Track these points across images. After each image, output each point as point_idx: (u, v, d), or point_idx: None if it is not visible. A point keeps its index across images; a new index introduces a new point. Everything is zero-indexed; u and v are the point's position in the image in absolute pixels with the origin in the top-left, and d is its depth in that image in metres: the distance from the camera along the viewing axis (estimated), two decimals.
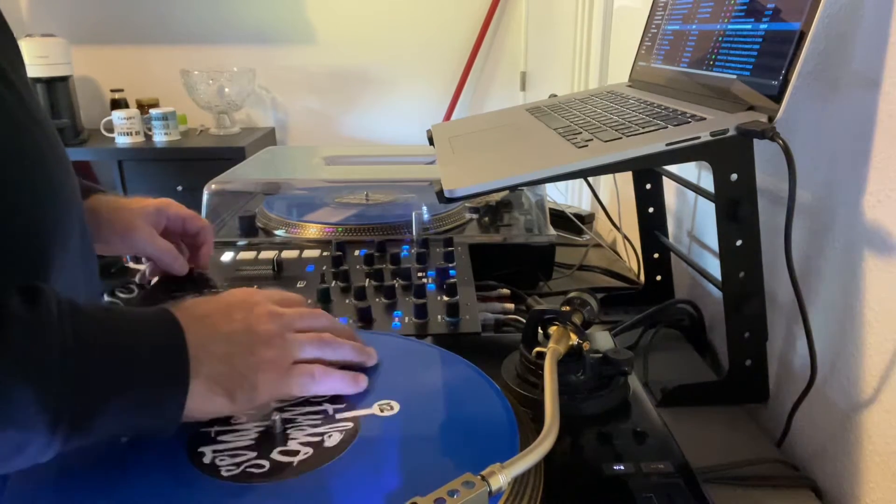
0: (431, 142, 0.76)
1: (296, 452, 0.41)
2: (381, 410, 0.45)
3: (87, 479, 0.39)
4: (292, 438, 0.42)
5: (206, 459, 0.40)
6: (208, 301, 0.46)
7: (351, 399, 0.47)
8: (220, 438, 0.43)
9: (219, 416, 0.43)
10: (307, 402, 0.47)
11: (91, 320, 0.38)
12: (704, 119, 0.55)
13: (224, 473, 0.39)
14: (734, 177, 0.53)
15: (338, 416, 0.45)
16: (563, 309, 0.54)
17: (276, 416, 0.44)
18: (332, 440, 0.42)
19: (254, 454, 0.41)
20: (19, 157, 0.42)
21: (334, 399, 0.47)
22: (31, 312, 0.35)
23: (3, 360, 0.33)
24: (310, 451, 0.41)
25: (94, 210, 0.63)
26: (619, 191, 1.13)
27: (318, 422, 0.44)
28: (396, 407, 0.46)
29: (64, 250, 0.45)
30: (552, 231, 0.91)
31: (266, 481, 0.39)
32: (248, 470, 0.39)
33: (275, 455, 0.41)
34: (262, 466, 0.40)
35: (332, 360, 0.48)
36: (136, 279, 0.72)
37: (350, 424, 0.44)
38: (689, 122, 0.55)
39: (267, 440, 0.42)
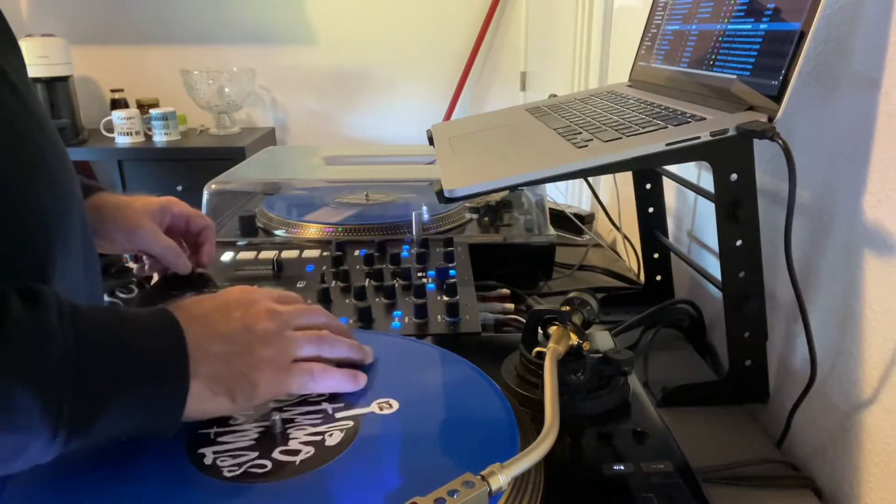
0: (431, 142, 0.76)
1: (297, 452, 0.41)
2: (381, 409, 0.45)
3: (88, 485, 0.39)
4: (293, 438, 0.42)
5: (208, 461, 0.40)
6: (206, 300, 0.46)
7: (349, 398, 0.47)
8: (219, 440, 0.43)
9: (219, 415, 0.43)
10: (305, 401, 0.47)
11: (91, 322, 0.38)
12: (704, 119, 0.55)
13: (226, 474, 0.39)
14: (734, 177, 0.53)
15: (337, 415, 0.45)
16: (563, 309, 0.54)
17: (276, 417, 0.44)
18: (334, 439, 0.42)
19: (255, 454, 0.41)
20: (21, 157, 0.42)
21: (332, 398, 0.47)
22: (31, 315, 0.35)
23: (4, 363, 0.33)
24: (311, 450, 0.41)
25: (99, 207, 0.63)
26: (619, 191, 1.13)
27: (318, 421, 0.44)
28: (395, 405, 0.46)
29: (66, 250, 0.45)
30: (552, 231, 0.91)
31: (268, 481, 0.39)
32: (250, 470, 0.39)
33: (276, 455, 0.41)
34: (264, 466, 0.40)
35: (330, 358, 0.48)
36: (134, 271, 0.72)
37: (350, 423, 0.44)
38: (689, 122, 0.55)
39: (267, 440, 0.42)
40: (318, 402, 0.47)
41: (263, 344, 0.44)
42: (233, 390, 0.42)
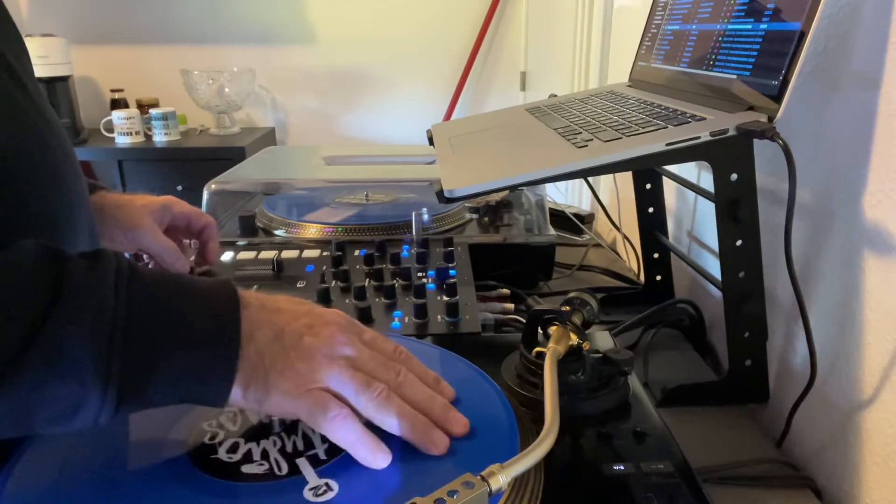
0: (431, 142, 0.76)
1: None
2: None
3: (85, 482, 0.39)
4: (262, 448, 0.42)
5: (206, 438, 0.41)
6: (286, 298, 0.43)
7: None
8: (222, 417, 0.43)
9: (230, 404, 0.40)
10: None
11: (149, 285, 0.38)
12: (704, 119, 0.55)
13: (223, 458, 0.40)
14: (734, 177, 0.53)
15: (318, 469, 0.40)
16: (563, 309, 0.54)
17: (276, 417, 0.44)
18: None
19: (233, 442, 0.41)
20: (28, 152, 0.42)
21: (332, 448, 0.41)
22: (89, 273, 0.36)
23: (59, 321, 0.34)
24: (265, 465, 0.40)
25: (99, 206, 0.63)
26: (619, 191, 1.13)
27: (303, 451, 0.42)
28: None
29: (73, 245, 0.45)
30: (552, 231, 0.91)
31: (261, 482, 0.39)
32: (243, 468, 0.40)
33: (274, 454, 0.41)
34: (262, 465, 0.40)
35: (365, 416, 0.40)
36: None
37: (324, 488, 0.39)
38: (689, 122, 0.55)
39: (256, 432, 0.43)
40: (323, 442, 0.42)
41: (303, 354, 0.40)
42: (248, 383, 0.39)
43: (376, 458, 0.39)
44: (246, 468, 0.40)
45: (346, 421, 0.39)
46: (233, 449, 0.41)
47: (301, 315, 0.42)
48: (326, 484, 0.38)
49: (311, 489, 0.38)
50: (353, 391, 0.40)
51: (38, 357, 0.33)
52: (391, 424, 0.40)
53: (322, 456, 0.40)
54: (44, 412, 0.35)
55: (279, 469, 0.40)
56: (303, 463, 0.40)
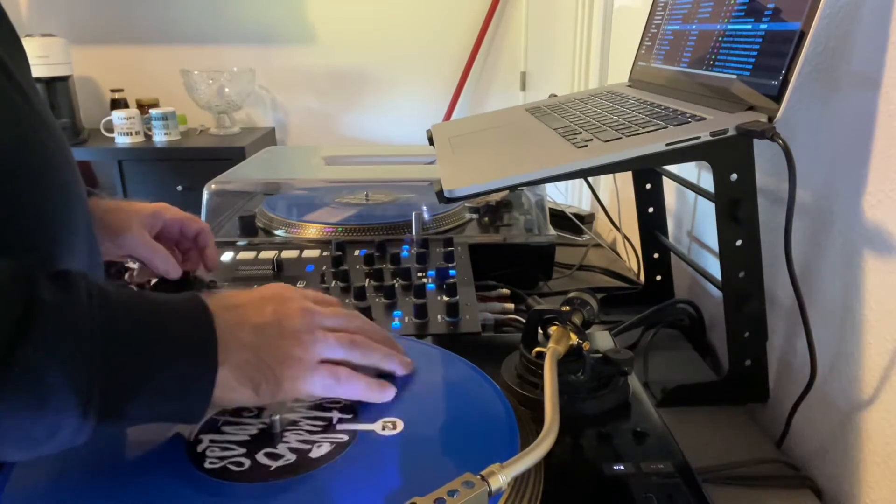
0: (431, 142, 0.76)
1: (280, 457, 0.41)
2: (383, 428, 0.44)
3: (86, 481, 0.39)
4: (284, 442, 0.42)
5: (200, 448, 0.41)
6: (241, 293, 0.46)
7: (360, 411, 0.46)
8: (223, 429, 0.43)
9: (243, 405, 0.44)
10: (321, 405, 0.46)
11: (120, 305, 0.38)
12: (704, 119, 0.55)
13: (207, 465, 0.40)
14: (734, 177, 0.53)
15: (339, 427, 0.44)
16: (563, 309, 0.54)
17: (276, 417, 0.44)
18: (321, 450, 0.42)
19: (242, 451, 0.41)
20: (26, 155, 0.42)
21: (345, 408, 0.46)
22: (61, 297, 0.36)
23: (35, 345, 0.33)
24: (293, 457, 0.41)
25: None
26: (619, 191, 1.13)
27: (318, 429, 0.44)
28: (400, 425, 0.44)
29: (70, 248, 0.45)
30: (552, 231, 0.91)
31: (238, 481, 0.39)
32: (228, 466, 0.40)
33: (259, 456, 0.41)
34: (241, 465, 0.40)
35: (359, 364, 0.47)
36: (125, 278, 0.72)
37: (346, 437, 0.43)
38: (689, 122, 0.55)
39: (262, 439, 0.43)
40: (330, 409, 0.46)
41: (293, 340, 0.44)
42: (258, 382, 0.42)
43: (386, 394, 0.46)
44: (314, 453, 0.41)
45: (352, 378, 0.45)
46: (257, 458, 0.41)
47: (262, 303, 0.45)
48: (392, 422, 0.44)
49: (381, 427, 0.43)
50: (343, 351, 0.46)
51: (12, 385, 0.33)
52: (375, 360, 0.48)
53: (347, 416, 0.45)
54: (17, 439, 0.34)
55: (319, 448, 0.42)
56: (347, 424, 0.44)
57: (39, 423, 0.34)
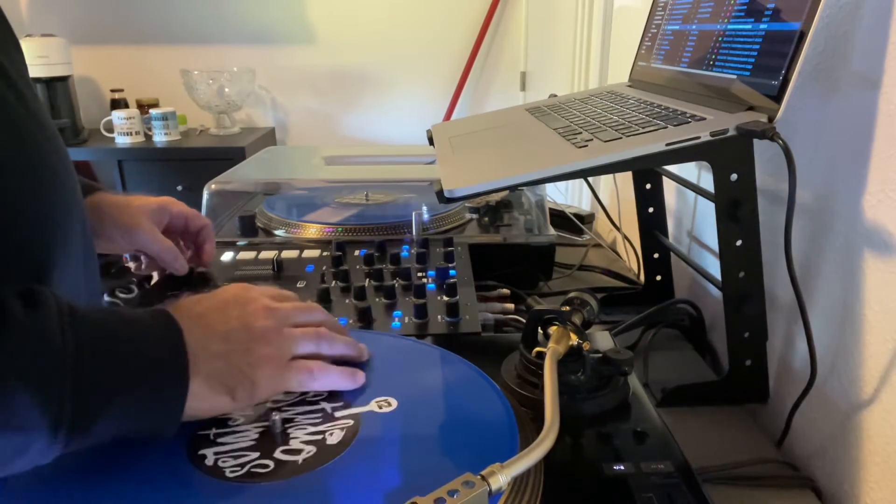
0: (431, 142, 0.76)
1: (299, 451, 0.41)
2: (380, 407, 0.45)
3: (89, 488, 0.39)
4: (294, 437, 0.42)
5: (209, 462, 0.40)
6: (203, 299, 0.46)
7: (347, 397, 0.47)
8: (220, 440, 0.42)
9: (219, 413, 0.44)
10: (303, 401, 0.47)
11: (90, 323, 0.38)
12: (704, 119, 0.55)
13: (229, 475, 0.39)
14: (734, 177, 0.53)
15: (337, 413, 0.45)
16: (563, 309, 0.54)
17: (276, 417, 0.44)
18: (335, 438, 0.42)
19: (257, 454, 0.41)
20: (21, 157, 0.42)
21: (330, 397, 0.47)
22: (30, 317, 0.35)
23: (4, 364, 0.33)
24: (313, 449, 0.41)
25: (97, 206, 0.63)
26: (619, 191, 1.13)
27: (318, 420, 0.44)
28: (394, 403, 0.46)
29: (66, 250, 0.45)
30: (552, 231, 0.91)
31: (271, 480, 0.39)
32: (252, 470, 0.39)
33: (278, 454, 0.41)
34: (266, 466, 0.40)
35: (328, 356, 0.48)
36: (132, 269, 0.73)
37: (351, 422, 0.44)
38: (689, 122, 0.55)
39: (268, 440, 0.42)
40: (317, 402, 0.47)
41: (262, 341, 0.45)
42: (233, 388, 0.42)
43: (357, 379, 0.48)
44: (331, 440, 0.42)
45: (325, 370, 0.47)
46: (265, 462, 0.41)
47: (225, 308, 0.45)
48: (386, 401, 0.46)
49: (377, 406, 0.45)
50: (312, 345, 0.47)
51: None
52: (340, 349, 0.49)
53: (341, 402, 0.47)
54: None
55: (332, 436, 0.42)
56: (346, 411, 0.45)
57: (8, 442, 0.34)
